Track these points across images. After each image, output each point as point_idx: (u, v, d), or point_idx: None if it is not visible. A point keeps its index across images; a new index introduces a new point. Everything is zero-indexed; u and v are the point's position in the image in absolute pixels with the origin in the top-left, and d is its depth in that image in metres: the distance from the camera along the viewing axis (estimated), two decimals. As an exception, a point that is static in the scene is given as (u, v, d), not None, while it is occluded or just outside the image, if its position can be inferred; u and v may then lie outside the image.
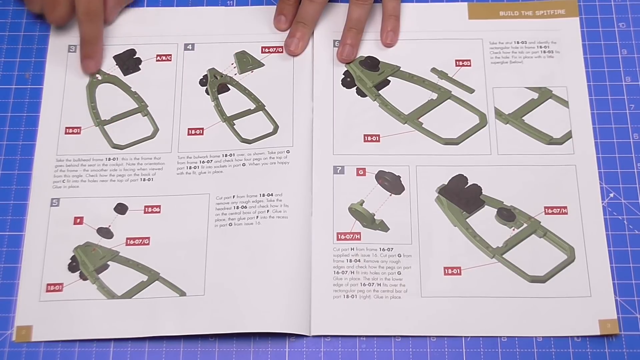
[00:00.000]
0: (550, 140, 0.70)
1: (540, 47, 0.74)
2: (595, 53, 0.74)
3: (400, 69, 0.73)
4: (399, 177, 0.69)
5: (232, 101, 0.72)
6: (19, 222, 0.68)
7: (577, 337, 0.63)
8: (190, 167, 0.69)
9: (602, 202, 0.68)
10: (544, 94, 0.72)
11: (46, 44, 0.74)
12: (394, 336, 0.64)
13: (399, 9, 0.74)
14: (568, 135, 0.70)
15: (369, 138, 0.70)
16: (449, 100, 0.72)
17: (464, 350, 0.63)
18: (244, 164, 0.69)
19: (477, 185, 0.68)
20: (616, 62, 0.73)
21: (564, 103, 0.71)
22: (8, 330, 0.64)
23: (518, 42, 0.74)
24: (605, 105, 0.72)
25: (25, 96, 0.73)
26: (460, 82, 0.72)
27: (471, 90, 0.72)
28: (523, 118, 0.71)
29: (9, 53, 0.74)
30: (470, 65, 0.73)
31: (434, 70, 0.73)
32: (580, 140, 0.70)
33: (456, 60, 0.73)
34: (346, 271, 0.66)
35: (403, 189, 0.68)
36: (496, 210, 0.67)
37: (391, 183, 0.68)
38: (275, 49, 0.74)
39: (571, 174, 0.68)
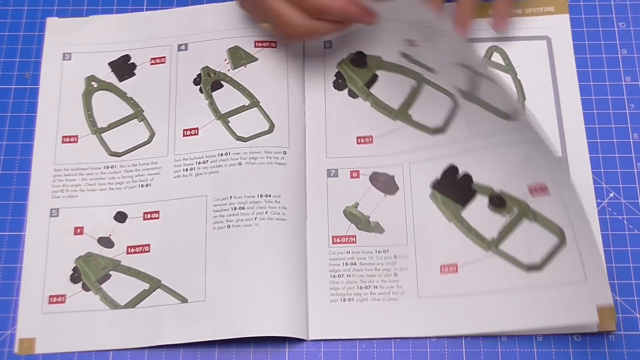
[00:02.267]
0: (505, 115, 0.67)
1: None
2: (594, 53, 0.74)
3: (382, 58, 0.72)
4: (393, 176, 0.69)
5: (227, 98, 0.71)
6: (20, 226, 0.68)
7: (577, 335, 0.63)
8: (186, 170, 0.69)
9: (602, 202, 0.68)
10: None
11: (46, 45, 0.75)
12: (392, 338, 0.64)
13: None
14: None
15: (362, 140, 0.70)
16: (425, 85, 0.71)
17: (463, 350, 0.63)
18: (239, 163, 0.68)
19: (467, 174, 0.68)
20: (616, 61, 0.73)
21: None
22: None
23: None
24: (605, 105, 0.72)
25: (25, 96, 0.73)
26: (421, 62, 0.71)
27: (433, 70, 0.71)
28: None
29: (9, 53, 0.74)
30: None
31: (403, 54, 0.72)
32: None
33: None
34: (342, 274, 0.66)
35: (397, 188, 0.68)
36: (487, 198, 0.67)
37: (385, 184, 0.68)
38: (268, 43, 0.73)
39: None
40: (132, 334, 0.63)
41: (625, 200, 0.68)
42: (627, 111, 0.71)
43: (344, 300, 0.65)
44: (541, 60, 0.73)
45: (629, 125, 0.71)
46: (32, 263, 0.66)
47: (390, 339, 0.64)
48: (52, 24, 0.75)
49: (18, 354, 0.64)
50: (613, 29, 0.74)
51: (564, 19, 0.74)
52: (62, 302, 0.65)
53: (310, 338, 0.64)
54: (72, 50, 0.74)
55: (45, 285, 0.65)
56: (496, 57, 0.73)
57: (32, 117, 0.72)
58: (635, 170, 0.69)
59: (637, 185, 0.68)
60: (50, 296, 0.65)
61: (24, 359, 0.63)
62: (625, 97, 0.72)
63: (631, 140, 0.70)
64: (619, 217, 0.68)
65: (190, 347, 0.64)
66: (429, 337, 0.64)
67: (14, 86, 0.73)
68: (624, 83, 0.72)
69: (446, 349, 0.63)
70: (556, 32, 0.74)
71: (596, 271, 0.63)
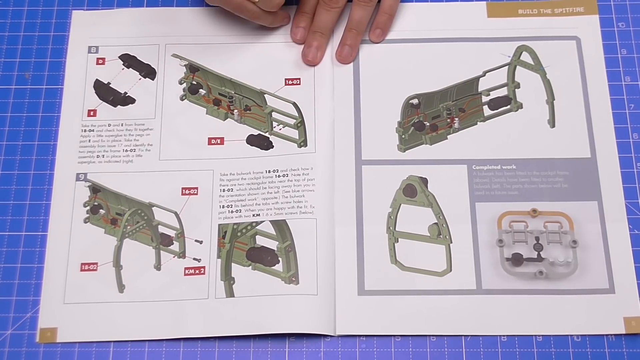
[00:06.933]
0: None
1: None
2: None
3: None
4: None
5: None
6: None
7: (577, 335, 0.64)
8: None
9: (602, 202, 0.68)
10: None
11: (47, 44, 0.74)
12: (395, 335, 0.64)
13: (395, 7, 0.74)
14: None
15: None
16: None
17: (463, 350, 0.63)
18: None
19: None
20: (616, 62, 0.73)
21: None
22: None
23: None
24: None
25: (25, 96, 0.73)
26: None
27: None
28: None
29: (9, 53, 0.74)
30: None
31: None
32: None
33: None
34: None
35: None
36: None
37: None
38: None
39: None
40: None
41: (625, 200, 0.68)
42: (627, 111, 0.71)
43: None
44: (571, 61, 0.73)
45: (629, 125, 0.71)
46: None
47: (391, 337, 0.64)
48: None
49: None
50: (613, 29, 0.74)
51: (594, 20, 0.75)
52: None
53: (337, 333, 0.64)
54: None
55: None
56: (525, 57, 0.73)
57: (32, 117, 0.72)
58: (635, 170, 0.69)
59: (637, 185, 0.68)
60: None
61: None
62: (625, 97, 0.72)
63: (631, 140, 0.70)
64: (619, 217, 0.68)
65: (190, 341, 0.64)
66: (430, 336, 0.64)
67: (14, 86, 0.73)
68: (623, 83, 0.72)
69: (446, 349, 0.63)
70: (586, 32, 0.74)
71: (625, 282, 0.64)
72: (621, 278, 0.65)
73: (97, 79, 0.73)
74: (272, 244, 0.67)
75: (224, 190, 0.69)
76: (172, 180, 0.69)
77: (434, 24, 0.75)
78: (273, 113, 0.72)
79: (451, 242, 0.67)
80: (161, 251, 0.67)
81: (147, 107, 0.72)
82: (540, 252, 0.66)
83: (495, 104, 0.72)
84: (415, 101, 0.72)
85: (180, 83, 0.73)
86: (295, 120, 0.71)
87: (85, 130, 0.71)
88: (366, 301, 0.65)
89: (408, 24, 0.75)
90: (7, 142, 0.71)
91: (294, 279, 0.65)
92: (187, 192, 0.69)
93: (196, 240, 0.67)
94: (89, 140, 0.71)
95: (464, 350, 0.63)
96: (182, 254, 0.67)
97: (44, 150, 0.71)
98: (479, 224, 0.67)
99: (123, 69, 0.74)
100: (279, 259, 0.66)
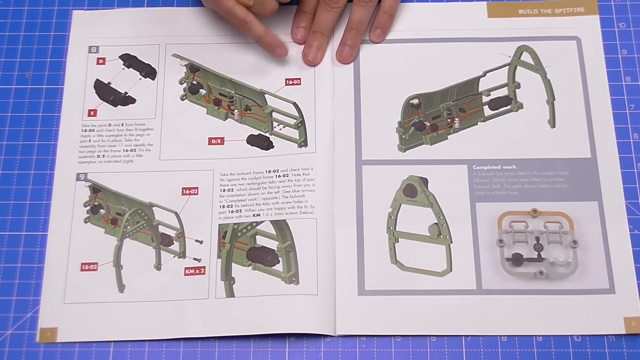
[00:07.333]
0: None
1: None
2: (595, 53, 0.74)
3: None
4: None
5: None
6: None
7: (577, 335, 0.64)
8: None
9: (602, 202, 0.68)
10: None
11: (47, 44, 0.74)
12: (395, 335, 0.64)
13: (395, 7, 0.74)
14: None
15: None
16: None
17: (463, 350, 0.63)
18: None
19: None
20: (616, 62, 0.73)
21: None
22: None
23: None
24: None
25: (25, 96, 0.73)
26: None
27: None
28: None
29: (9, 53, 0.74)
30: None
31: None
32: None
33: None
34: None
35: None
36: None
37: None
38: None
39: None
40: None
41: (625, 200, 0.68)
42: (627, 111, 0.71)
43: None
44: (571, 61, 0.73)
45: (629, 125, 0.71)
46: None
47: (391, 337, 0.64)
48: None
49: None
50: (613, 29, 0.74)
51: (594, 20, 0.75)
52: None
53: (337, 333, 0.64)
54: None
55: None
56: (526, 57, 0.73)
57: (33, 117, 0.72)
58: (635, 170, 0.69)
59: (637, 185, 0.68)
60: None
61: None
62: (625, 97, 0.72)
63: (631, 140, 0.70)
64: (619, 217, 0.68)
65: (190, 341, 0.64)
66: (430, 336, 0.64)
67: (14, 86, 0.73)
68: (624, 83, 0.72)
69: (446, 349, 0.63)
70: (586, 32, 0.74)
71: (625, 282, 0.64)
72: (621, 278, 0.65)
73: (97, 79, 0.73)
74: (272, 244, 0.67)
75: (224, 190, 0.69)
76: (172, 180, 0.69)
77: (434, 24, 0.75)
78: (273, 113, 0.72)
79: (451, 242, 0.67)
80: (161, 251, 0.67)
81: (148, 107, 0.72)
82: (541, 252, 0.66)
83: (495, 104, 0.72)
84: (415, 101, 0.72)
85: (181, 83, 0.73)
86: (295, 120, 0.71)
87: (85, 130, 0.71)
88: (366, 301, 0.65)
89: (408, 24, 0.75)
90: (7, 142, 0.71)
91: (294, 279, 0.65)
92: (187, 192, 0.69)
93: (196, 240, 0.67)
94: (89, 140, 0.71)
95: (464, 350, 0.63)
96: (182, 254, 0.67)
97: (44, 150, 0.71)
98: (479, 224, 0.67)
99: (123, 68, 0.74)
100: (279, 259, 0.66)
